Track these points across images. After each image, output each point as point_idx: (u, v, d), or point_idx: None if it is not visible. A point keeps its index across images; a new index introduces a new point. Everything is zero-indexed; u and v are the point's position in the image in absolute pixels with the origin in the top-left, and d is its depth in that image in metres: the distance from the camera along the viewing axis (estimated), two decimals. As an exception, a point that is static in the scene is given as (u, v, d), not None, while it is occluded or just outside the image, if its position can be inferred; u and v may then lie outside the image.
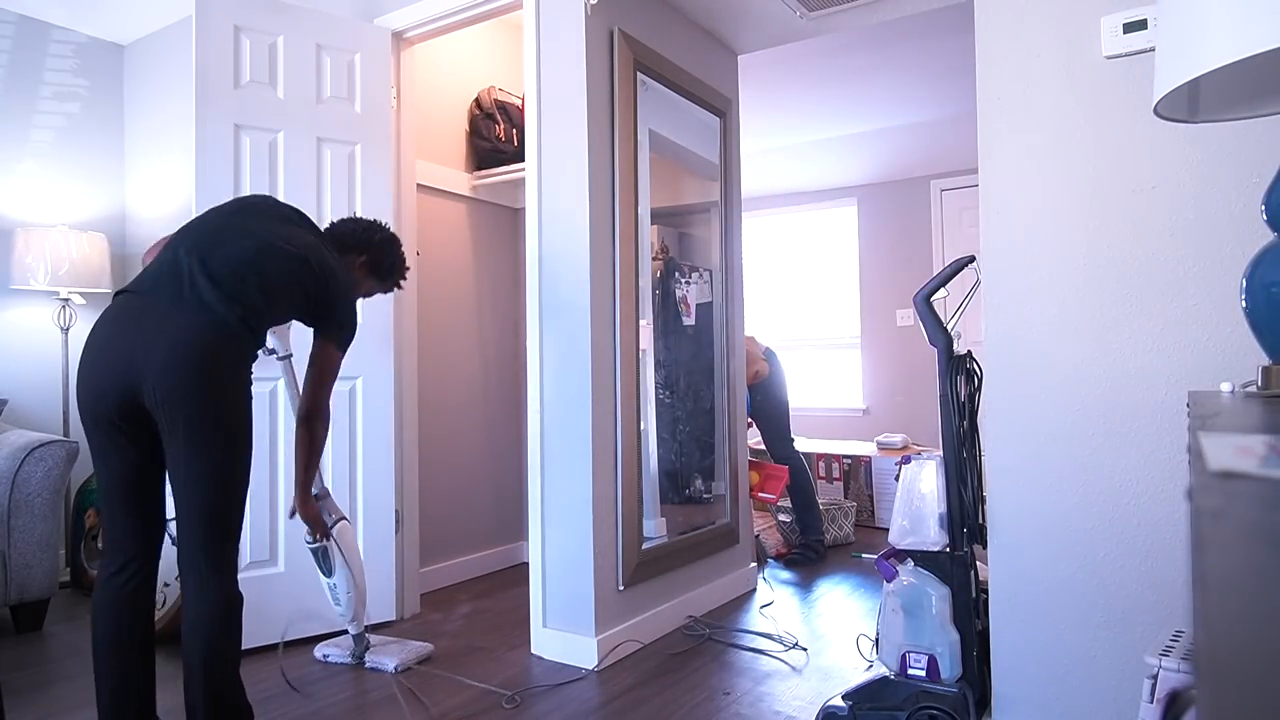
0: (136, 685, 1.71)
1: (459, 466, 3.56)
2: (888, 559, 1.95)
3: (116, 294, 1.73)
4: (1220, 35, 0.88)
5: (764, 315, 6.29)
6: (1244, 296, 1.04)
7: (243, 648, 1.76)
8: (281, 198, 2.71)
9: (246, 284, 1.70)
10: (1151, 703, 1.29)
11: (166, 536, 1.79)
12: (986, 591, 1.93)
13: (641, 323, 2.72)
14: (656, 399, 2.84)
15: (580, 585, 2.50)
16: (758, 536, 3.77)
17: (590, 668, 2.43)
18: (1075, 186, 1.81)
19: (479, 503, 3.66)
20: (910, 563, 1.93)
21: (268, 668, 2.45)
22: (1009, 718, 1.86)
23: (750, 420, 3.82)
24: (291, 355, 2.44)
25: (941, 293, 1.99)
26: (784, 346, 5.39)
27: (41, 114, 3.60)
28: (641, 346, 2.71)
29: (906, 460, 1.99)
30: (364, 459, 2.81)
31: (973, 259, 1.98)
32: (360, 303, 2.12)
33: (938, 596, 1.87)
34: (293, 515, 2.22)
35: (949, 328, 1.97)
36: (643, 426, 2.72)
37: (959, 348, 1.98)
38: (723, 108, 3.26)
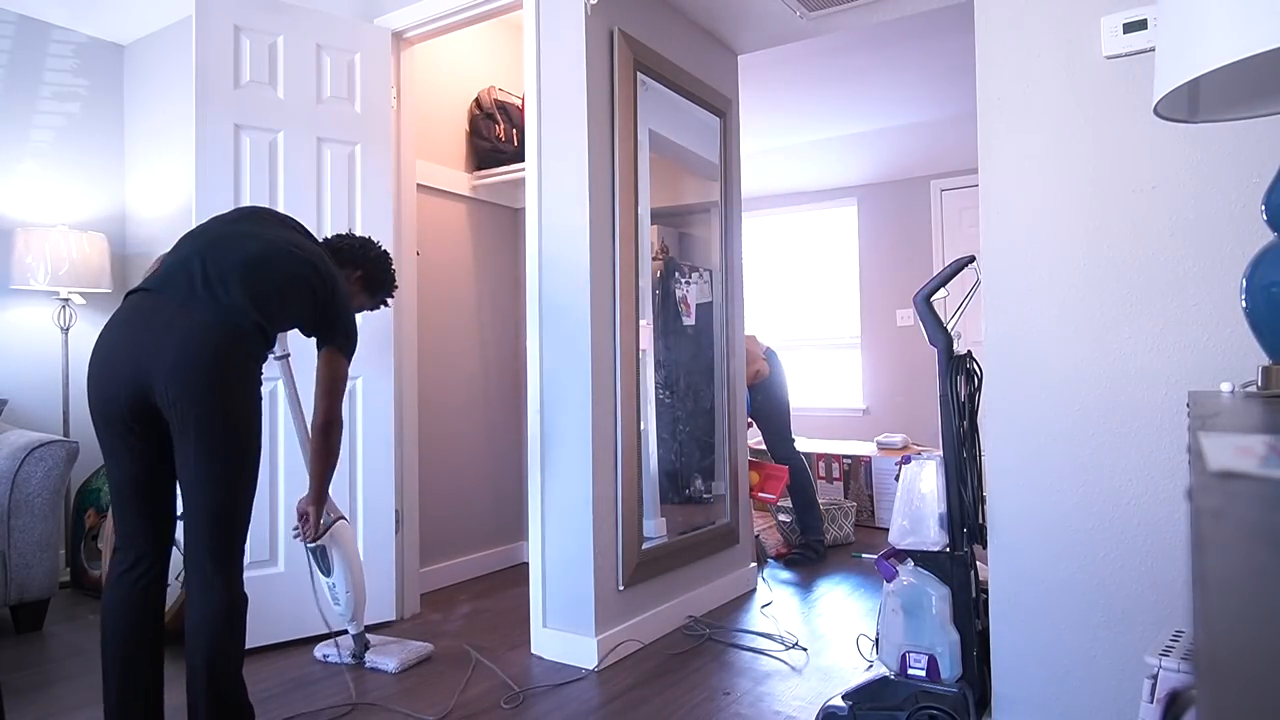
0: (145, 685, 1.70)
1: (459, 466, 3.56)
2: (888, 559, 1.95)
3: (127, 294, 1.73)
4: (1220, 35, 0.88)
5: (764, 315, 6.29)
6: (1244, 296, 1.04)
7: (245, 648, 1.76)
8: (281, 198, 2.72)
9: (261, 283, 1.72)
10: (1151, 703, 1.29)
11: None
12: (986, 591, 1.93)
13: (641, 323, 2.72)
14: (656, 399, 2.84)
15: (580, 585, 2.50)
16: (758, 536, 3.77)
17: (590, 668, 2.43)
18: (1075, 186, 1.81)
19: (479, 503, 3.66)
20: (910, 563, 1.93)
21: (268, 668, 2.45)
22: (1009, 718, 1.86)
23: (751, 420, 3.82)
24: (289, 355, 2.44)
25: (941, 293, 1.99)
26: (784, 346, 5.40)
27: (41, 114, 3.60)
28: (641, 346, 2.71)
29: (906, 460, 1.99)
30: (364, 459, 2.81)
31: (973, 259, 1.98)
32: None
33: (938, 596, 1.87)
34: (303, 519, 2.25)
35: (949, 328, 1.97)
36: (643, 426, 2.72)
37: (959, 348, 1.98)
38: (723, 108, 3.26)
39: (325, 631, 2.70)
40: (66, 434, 3.47)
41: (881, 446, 4.65)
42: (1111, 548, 1.75)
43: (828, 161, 5.43)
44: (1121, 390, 1.75)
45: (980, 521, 1.94)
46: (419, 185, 3.29)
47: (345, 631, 2.53)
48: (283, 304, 1.77)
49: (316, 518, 2.26)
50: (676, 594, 2.85)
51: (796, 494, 3.83)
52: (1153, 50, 1.68)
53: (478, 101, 3.67)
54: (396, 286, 2.36)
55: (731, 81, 3.37)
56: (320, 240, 2.21)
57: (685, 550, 2.90)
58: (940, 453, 1.94)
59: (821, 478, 4.76)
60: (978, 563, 1.94)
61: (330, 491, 2.51)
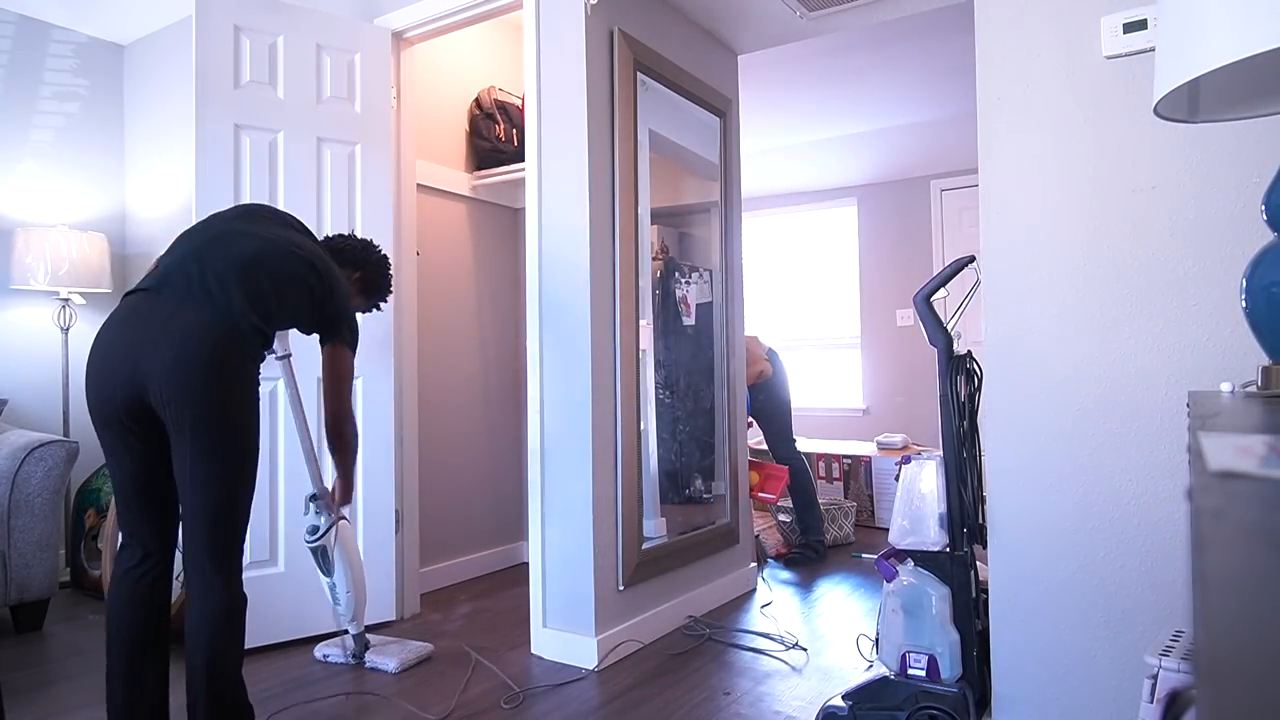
0: (150, 683, 1.71)
1: (459, 466, 3.56)
2: (888, 559, 1.95)
3: (125, 295, 1.73)
4: (1220, 35, 0.88)
5: (764, 315, 6.29)
6: (1244, 296, 1.04)
7: (245, 648, 1.76)
8: (281, 198, 2.72)
9: (259, 282, 1.72)
10: (1151, 703, 1.29)
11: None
12: (986, 591, 1.93)
13: (641, 323, 2.72)
14: (656, 399, 2.84)
15: (580, 585, 2.50)
16: (758, 536, 3.77)
17: (590, 668, 2.43)
18: (1075, 187, 1.81)
19: (479, 503, 3.66)
20: (910, 563, 1.93)
21: (268, 668, 2.45)
22: (1009, 718, 1.86)
23: (751, 420, 3.82)
24: (291, 355, 2.44)
25: (941, 293, 1.99)
26: (784, 346, 5.39)
27: (41, 114, 3.60)
28: (641, 346, 2.71)
29: (906, 460, 1.99)
30: (364, 459, 2.81)
31: (973, 259, 1.98)
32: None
33: (938, 596, 1.87)
34: (343, 504, 2.27)
35: (949, 328, 1.97)
36: (643, 426, 2.72)
37: (959, 348, 1.98)
38: (723, 108, 3.26)
39: (325, 631, 2.70)
40: (66, 434, 3.47)
41: (881, 446, 4.65)
42: (1111, 548, 1.75)
43: (828, 161, 5.43)
44: (1121, 390, 1.75)
45: (980, 521, 1.94)
46: (419, 185, 3.29)
47: (346, 631, 2.53)
48: (280, 304, 1.77)
49: (339, 503, 2.29)
50: (676, 594, 2.85)
51: (797, 494, 3.83)
52: (1153, 50, 1.68)
53: (478, 101, 3.67)
54: (392, 292, 2.37)
55: (731, 81, 3.37)
56: (322, 239, 2.22)
57: (685, 550, 2.90)
58: (940, 453, 1.94)
59: (821, 478, 4.76)
60: (978, 563, 1.94)
61: (331, 491, 2.51)
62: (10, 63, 3.50)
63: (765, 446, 3.92)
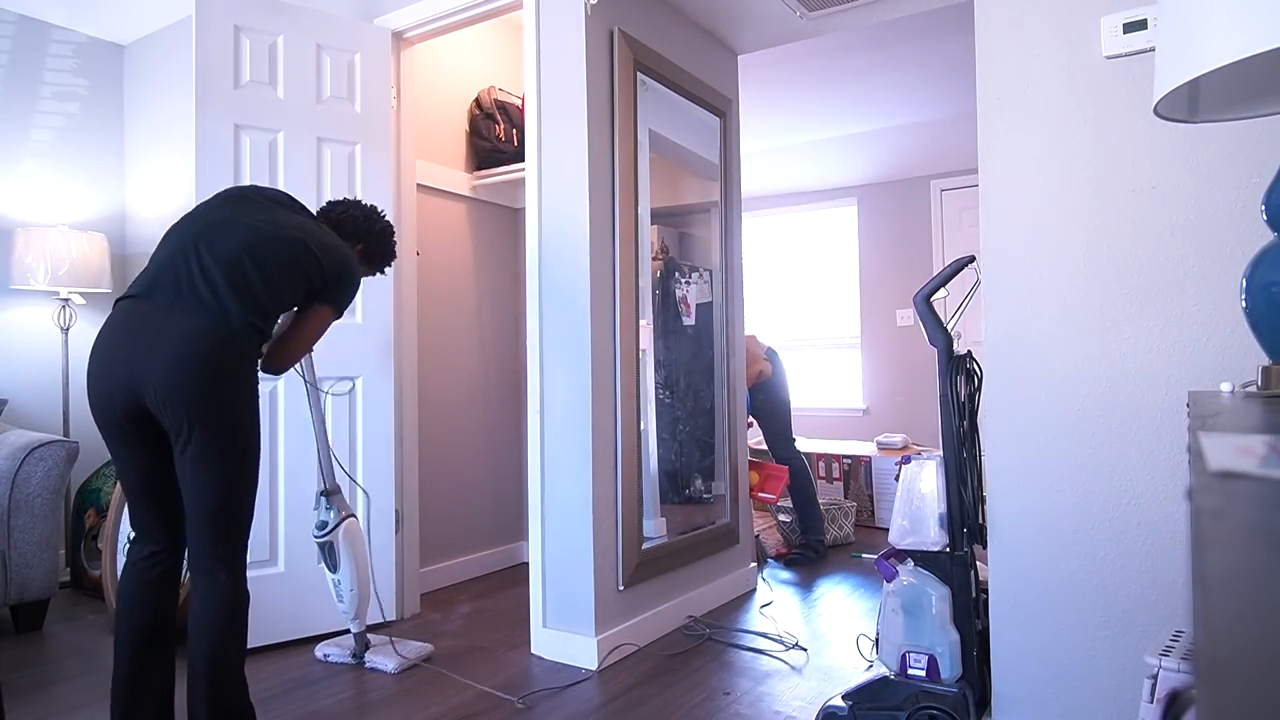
0: (157, 674, 1.71)
1: (459, 466, 3.56)
2: (888, 559, 1.95)
3: (117, 300, 1.72)
4: (1220, 35, 0.88)
5: (764, 315, 6.29)
6: (1244, 296, 1.04)
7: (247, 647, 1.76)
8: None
9: (247, 277, 1.68)
10: (1151, 703, 1.29)
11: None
12: (986, 591, 1.93)
13: (641, 323, 2.72)
14: (656, 399, 2.84)
15: (580, 585, 2.50)
16: (758, 536, 3.77)
17: (590, 668, 2.43)
18: (1075, 187, 1.81)
19: (479, 503, 3.66)
20: (910, 563, 1.93)
21: (268, 668, 2.45)
22: (1009, 718, 1.86)
23: (751, 420, 3.82)
24: None
25: (941, 293, 1.99)
26: (784, 346, 5.39)
27: (41, 114, 3.60)
28: (641, 346, 2.71)
29: (906, 460, 1.99)
30: (364, 459, 2.81)
31: (973, 259, 1.98)
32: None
33: (938, 596, 1.87)
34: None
35: (949, 328, 1.97)
36: (643, 426, 2.72)
37: (959, 348, 1.98)
38: (723, 108, 3.26)
39: (325, 631, 2.70)
40: (66, 434, 3.47)
41: (881, 446, 4.65)
42: (1111, 548, 1.75)
43: (828, 161, 5.43)
44: (1121, 390, 1.75)
45: (980, 521, 1.94)
46: (419, 185, 3.29)
47: (348, 630, 2.53)
48: (274, 295, 1.73)
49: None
50: (676, 594, 2.85)
51: (797, 494, 3.83)
52: (1153, 50, 1.68)
53: (478, 101, 3.67)
54: (395, 256, 2.26)
55: (731, 81, 3.37)
56: (324, 205, 2.13)
57: (685, 550, 2.90)
58: (940, 453, 1.94)
59: (821, 478, 4.76)
60: (978, 563, 1.94)
61: (342, 488, 2.51)
62: (10, 63, 3.50)
63: (765, 446, 3.92)
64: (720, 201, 3.27)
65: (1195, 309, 1.68)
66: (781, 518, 4.00)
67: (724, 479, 3.21)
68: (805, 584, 3.43)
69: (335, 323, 1.95)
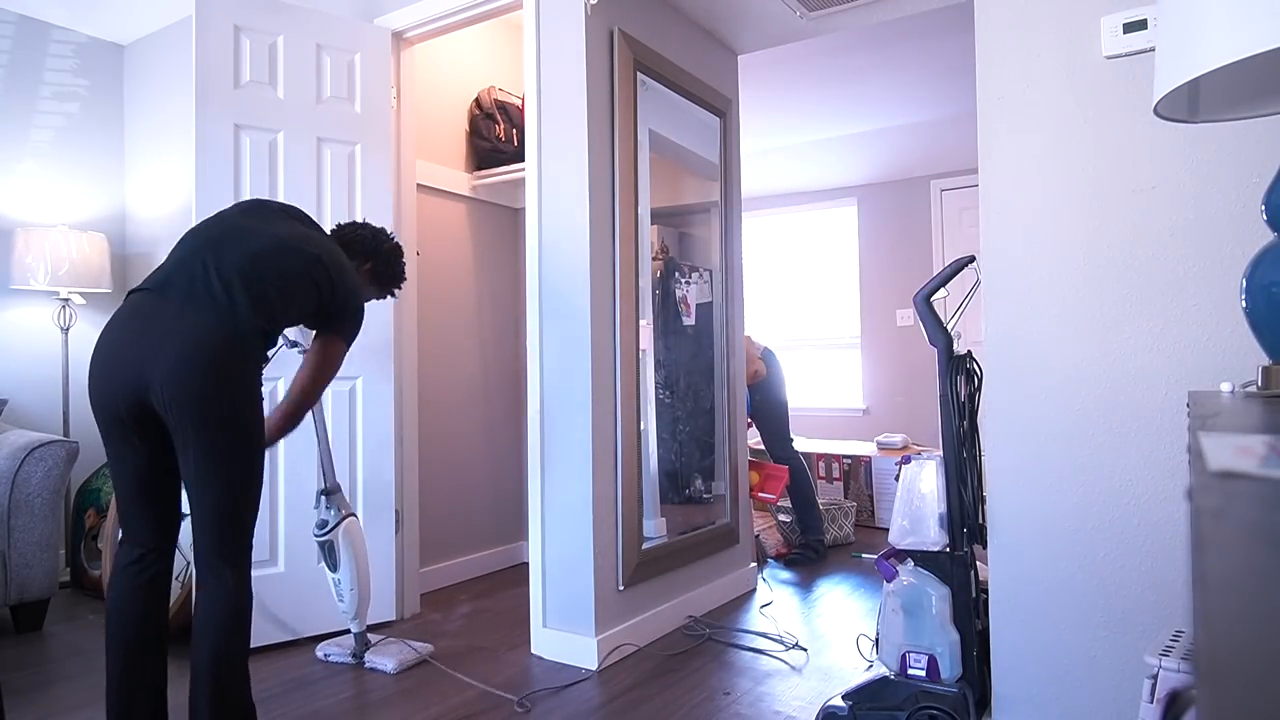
0: (150, 680, 1.71)
1: (459, 466, 3.56)
2: (888, 559, 1.95)
3: (129, 293, 1.73)
4: (1220, 35, 0.88)
5: (764, 315, 6.29)
6: (1244, 296, 1.04)
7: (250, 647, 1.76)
8: (281, 198, 2.72)
9: (264, 282, 1.70)
10: (1151, 703, 1.29)
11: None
12: (986, 591, 1.93)
13: (641, 323, 2.72)
14: (656, 399, 2.84)
15: (580, 585, 2.50)
16: (758, 536, 3.77)
17: (590, 668, 2.43)
18: (1075, 187, 1.81)
19: (479, 503, 3.66)
20: (910, 563, 1.93)
21: (268, 668, 2.45)
22: (1009, 718, 1.86)
23: (750, 420, 3.82)
24: (302, 347, 2.43)
25: (941, 293, 1.99)
26: (784, 346, 5.40)
27: (41, 114, 3.60)
28: (641, 346, 2.71)
29: (906, 460, 1.99)
30: (364, 459, 2.81)
31: (973, 259, 1.98)
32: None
33: (938, 596, 1.87)
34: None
35: (949, 328, 1.97)
36: (643, 426, 2.72)
37: (959, 348, 1.98)
38: (723, 108, 3.26)
39: (325, 631, 2.70)
40: (66, 434, 3.47)
41: (881, 446, 4.65)
42: (1111, 548, 1.75)
43: (828, 161, 5.43)
44: (1121, 390, 1.75)
45: (980, 521, 1.94)
46: (419, 185, 3.29)
47: (348, 630, 2.53)
48: (285, 303, 1.76)
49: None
50: (676, 594, 2.85)
51: (795, 494, 3.83)
52: (1153, 50, 1.68)
53: (478, 101, 3.67)
54: (405, 279, 2.32)
55: (731, 81, 3.37)
56: (333, 227, 2.18)
57: (685, 550, 2.90)
58: (940, 453, 1.94)
59: (821, 478, 4.76)
60: (978, 563, 1.94)
61: (342, 487, 2.51)
62: (10, 63, 3.50)
63: (764, 446, 3.92)
64: (720, 201, 3.27)
65: (1195, 309, 1.68)
66: (781, 518, 4.00)
67: (724, 479, 3.21)
68: (805, 584, 3.43)
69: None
